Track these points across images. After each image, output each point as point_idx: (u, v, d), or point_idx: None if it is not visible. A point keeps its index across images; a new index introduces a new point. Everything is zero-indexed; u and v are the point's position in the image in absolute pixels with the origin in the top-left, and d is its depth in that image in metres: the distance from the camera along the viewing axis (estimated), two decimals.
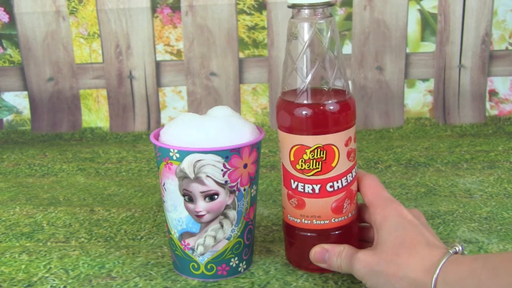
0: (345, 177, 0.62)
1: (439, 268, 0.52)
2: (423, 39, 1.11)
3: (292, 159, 0.61)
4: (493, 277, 0.48)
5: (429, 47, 1.11)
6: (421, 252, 0.54)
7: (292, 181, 0.62)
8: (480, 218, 0.76)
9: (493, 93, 1.13)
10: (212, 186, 0.60)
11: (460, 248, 0.54)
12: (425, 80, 1.13)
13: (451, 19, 1.10)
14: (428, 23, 1.11)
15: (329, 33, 0.60)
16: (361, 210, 0.65)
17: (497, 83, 1.13)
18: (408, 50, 1.11)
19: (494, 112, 1.13)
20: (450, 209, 0.79)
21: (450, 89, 1.12)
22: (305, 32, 0.60)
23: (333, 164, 0.61)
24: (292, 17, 0.61)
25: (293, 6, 0.60)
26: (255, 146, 0.62)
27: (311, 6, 0.59)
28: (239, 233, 0.63)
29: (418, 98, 1.13)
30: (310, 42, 0.60)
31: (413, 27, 1.11)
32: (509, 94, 1.13)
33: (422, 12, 1.10)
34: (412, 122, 1.12)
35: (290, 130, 0.61)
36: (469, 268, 0.50)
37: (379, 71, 1.12)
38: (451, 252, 0.53)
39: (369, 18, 1.10)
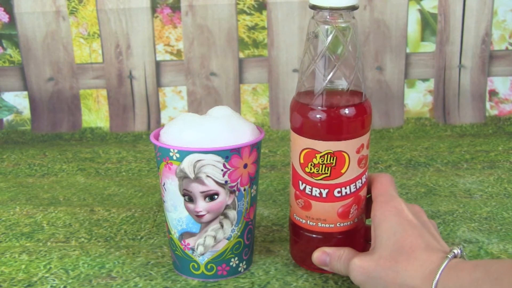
0: (354, 184, 0.61)
1: (438, 275, 0.51)
2: (423, 39, 1.11)
3: (301, 161, 0.61)
4: None
5: (429, 47, 1.11)
6: (419, 258, 0.54)
7: (300, 182, 0.62)
8: (480, 218, 0.76)
9: (493, 93, 1.13)
10: (212, 186, 0.60)
11: (459, 251, 0.54)
12: (425, 80, 1.13)
13: (451, 19, 1.10)
14: (428, 23, 1.11)
15: (349, 37, 0.58)
16: (369, 206, 0.64)
17: (497, 83, 1.13)
18: (408, 50, 1.11)
19: (494, 112, 1.13)
20: (450, 209, 0.79)
21: (450, 89, 1.12)
22: (325, 35, 0.58)
23: (343, 171, 0.60)
24: (313, 17, 0.59)
25: (313, 8, 0.58)
26: (255, 146, 0.62)
27: (333, 9, 0.58)
28: (239, 233, 0.63)
29: (418, 98, 1.13)
30: (329, 45, 0.58)
31: (413, 27, 1.11)
32: (509, 94, 1.13)
33: (422, 12, 1.10)
34: (412, 122, 1.12)
35: (302, 132, 0.60)
36: (469, 277, 0.50)
37: (379, 71, 1.12)
38: (449, 256, 0.53)
39: (369, 18, 1.10)
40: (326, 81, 0.59)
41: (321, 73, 0.59)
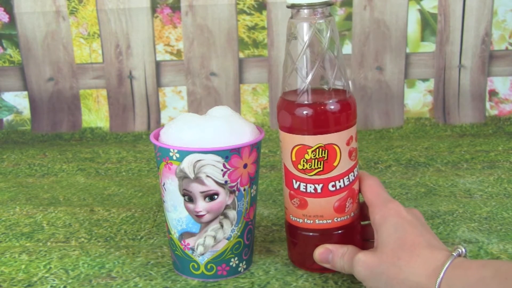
0: (347, 176, 0.62)
1: (443, 272, 0.51)
2: (423, 39, 1.11)
3: (293, 159, 0.61)
4: None
5: (429, 47, 1.11)
6: (422, 255, 0.54)
7: (294, 181, 0.62)
8: (480, 218, 0.76)
9: (493, 93, 1.13)
10: (212, 186, 0.60)
11: (463, 250, 0.54)
12: (425, 80, 1.13)
13: (451, 19, 1.10)
14: (428, 23, 1.11)
15: (328, 32, 0.60)
16: (364, 209, 0.65)
17: (497, 83, 1.13)
18: (408, 50, 1.11)
19: (494, 112, 1.13)
20: (450, 209, 0.79)
21: (450, 89, 1.12)
22: (305, 32, 0.59)
23: (335, 164, 0.61)
24: (292, 17, 0.61)
25: (292, 6, 0.60)
26: (255, 146, 0.62)
27: (310, 6, 0.59)
28: (239, 233, 0.63)
29: (418, 98, 1.13)
30: (310, 42, 0.59)
31: (413, 27, 1.11)
32: (509, 94, 1.13)
33: (422, 12, 1.10)
34: (412, 122, 1.12)
35: (291, 130, 0.61)
36: (477, 275, 0.49)
37: (379, 71, 1.12)
38: (454, 254, 0.53)
39: (369, 18, 1.10)
40: (310, 78, 0.60)
41: (304, 71, 0.60)
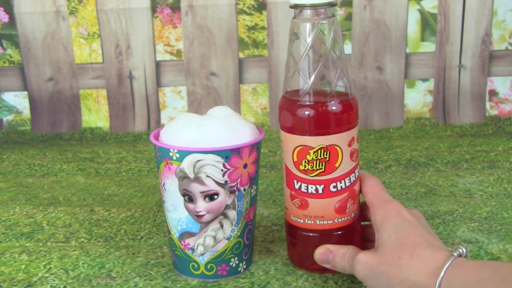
0: (348, 177, 0.62)
1: (443, 271, 0.51)
2: (423, 39, 1.11)
3: (295, 159, 0.61)
4: None
5: (429, 47, 1.11)
6: (423, 255, 0.54)
7: (295, 181, 0.62)
8: (480, 218, 0.76)
9: (493, 93, 1.13)
10: (212, 186, 0.60)
11: (464, 250, 0.54)
12: (425, 80, 1.13)
13: (451, 19, 1.10)
14: (428, 23, 1.11)
15: (331, 33, 0.60)
16: (364, 209, 0.65)
17: (497, 83, 1.13)
18: (408, 50, 1.11)
19: (494, 112, 1.13)
20: (450, 209, 0.79)
21: (450, 89, 1.12)
22: (308, 33, 0.59)
23: (337, 165, 0.61)
24: (294, 17, 0.60)
25: (295, 7, 0.60)
26: (255, 146, 0.62)
27: (313, 6, 0.59)
28: (239, 233, 0.63)
29: (418, 98, 1.13)
30: (313, 43, 0.59)
31: (413, 27, 1.11)
32: (509, 94, 1.13)
33: (422, 12, 1.10)
34: (412, 122, 1.12)
35: (293, 130, 0.61)
36: (475, 276, 0.49)
37: (379, 71, 1.12)
38: (455, 255, 0.53)
39: (369, 18, 1.10)
40: (312, 78, 0.60)
41: (306, 71, 0.60)
